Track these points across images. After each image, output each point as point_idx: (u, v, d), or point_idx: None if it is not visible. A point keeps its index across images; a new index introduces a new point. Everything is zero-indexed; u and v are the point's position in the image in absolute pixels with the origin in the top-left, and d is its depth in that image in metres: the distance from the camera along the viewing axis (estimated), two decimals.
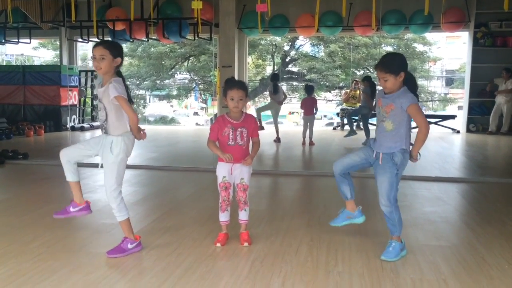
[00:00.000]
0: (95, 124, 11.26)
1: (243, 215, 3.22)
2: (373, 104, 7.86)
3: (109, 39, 11.23)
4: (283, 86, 21.85)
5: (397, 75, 2.82)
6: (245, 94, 3.10)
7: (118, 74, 2.95)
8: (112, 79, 2.86)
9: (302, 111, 8.76)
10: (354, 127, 9.28)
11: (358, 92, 11.38)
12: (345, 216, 3.15)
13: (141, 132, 2.99)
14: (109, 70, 2.88)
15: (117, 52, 2.89)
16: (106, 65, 2.85)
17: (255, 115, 7.39)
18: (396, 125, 2.85)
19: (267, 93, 15.20)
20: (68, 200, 3.87)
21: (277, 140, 8.89)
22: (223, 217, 3.20)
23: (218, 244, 3.12)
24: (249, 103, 16.32)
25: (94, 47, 2.89)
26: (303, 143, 8.49)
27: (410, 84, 2.90)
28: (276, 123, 9.16)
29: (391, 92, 2.88)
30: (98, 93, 2.95)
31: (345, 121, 11.65)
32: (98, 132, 3.13)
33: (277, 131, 9.00)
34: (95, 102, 12.08)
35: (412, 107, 2.81)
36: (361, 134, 8.66)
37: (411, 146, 2.93)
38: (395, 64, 2.85)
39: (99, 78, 3.02)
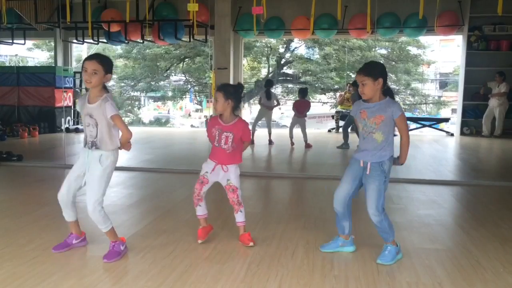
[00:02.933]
0: None
1: (239, 217, 3.23)
2: None
3: (104, 41, 11.22)
4: (278, 88, 21.86)
5: (375, 80, 2.86)
6: (222, 95, 3.11)
7: (106, 88, 2.93)
8: (105, 95, 2.86)
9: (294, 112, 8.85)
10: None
11: None
12: (338, 244, 3.10)
13: (128, 144, 3.02)
14: (99, 85, 2.86)
15: (109, 68, 2.88)
16: (97, 80, 2.83)
17: (248, 119, 7.28)
18: (385, 135, 2.90)
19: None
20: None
21: (270, 142, 8.90)
22: (198, 211, 3.26)
23: (200, 241, 3.17)
24: (245, 105, 16.24)
25: (88, 60, 2.84)
26: (292, 144, 8.49)
27: (389, 97, 2.95)
28: (269, 127, 9.15)
29: (370, 100, 2.92)
30: (86, 108, 2.87)
31: (340, 123, 11.70)
32: None
33: (269, 134, 9.01)
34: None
35: (402, 117, 2.89)
36: (352, 138, 8.69)
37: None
38: (375, 69, 2.92)
39: (84, 94, 2.97)
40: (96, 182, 2.87)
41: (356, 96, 8.60)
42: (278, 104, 9.41)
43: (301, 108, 8.63)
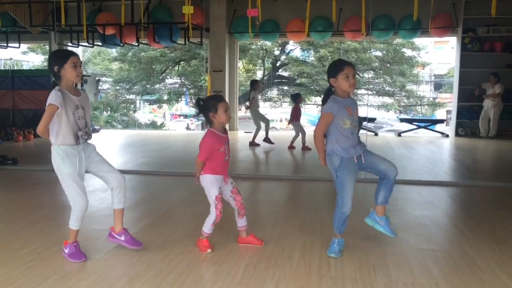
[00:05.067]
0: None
1: (245, 221, 3.25)
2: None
3: (100, 44, 11.21)
4: (274, 90, 21.92)
5: None
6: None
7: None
8: (83, 88, 2.97)
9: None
10: None
11: None
12: (342, 244, 3.09)
13: None
14: None
15: None
16: None
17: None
18: None
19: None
20: (58, 205, 3.84)
21: (253, 143, 8.93)
22: (212, 229, 3.15)
23: (209, 250, 3.10)
24: (242, 107, 16.26)
25: (75, 55, 2.91)
26: (303, 148, 8.42)
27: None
28: (257, 128, 9.18)
29: (344, 96, 2.99)
30: (72, 101, 2.86)
31: None
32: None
33: (254, 136, 9.04)
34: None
35: None
36: None
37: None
38: None
39: (60, 89, 2.96)
40: (109, 163, 3.08)
41: None
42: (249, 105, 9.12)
43: (295, 114, 8.65)
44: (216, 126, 3.09)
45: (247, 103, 9.30)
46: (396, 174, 3.05)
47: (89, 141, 3.02)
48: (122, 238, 3.08)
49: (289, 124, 8.81)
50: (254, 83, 9.18)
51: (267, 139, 8.97)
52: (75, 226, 2.97)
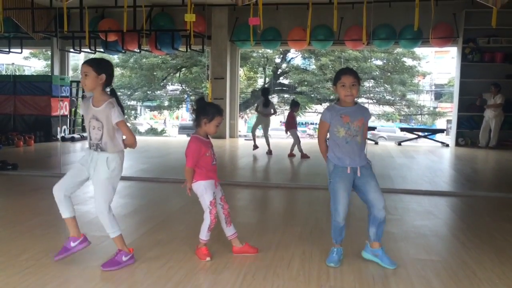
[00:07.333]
0: (85, 134, 11.16)
1: (234, 228, 3.23)
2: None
3: (101, 50, 11.25)
4: (275, 98, 21.98)
5: (359, 84, 3.02)
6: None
7: (112, 92, 3.00)
8: (110, 100, 2.88)
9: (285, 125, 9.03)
10: None
11: None
12: (341, 253, 3.07)
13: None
14: (95, 87, 2.88)
15: (101, 68, 2.87)
16: (90, 82, 2.86)
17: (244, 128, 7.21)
18: (363, 137, 3.03)
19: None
20: (57, 211, 3.82)
21: (269, 152, 8.90)
22: (209, 235, 3.14)
23: (208, 258, 3.09)
24: (240, 113, 16.31)
25: (84, 63, 2.92)
26: (302, 156, 8.46)
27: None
28: (266, 136, 9.18)
29: (346, 104, 2.99)
30: (91, 110, 2.87)
31: None
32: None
33: (268, 144, 9.02)
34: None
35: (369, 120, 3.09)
36: None
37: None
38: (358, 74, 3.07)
39: (88, 96, 3.02)
40: (104, 184, 2.88)
41: None
42: (275, 112, 9.50)
43: (292, 121, 8.72)
44: (201, 132, 3.15)
45: (258, 107, 9.28)
46: (383, 214, 2.98)
47: (104, 157, 2.88)
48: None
49: (286, 132, 8.92)
50: (265, 92, 9.56)
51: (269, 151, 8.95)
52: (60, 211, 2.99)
